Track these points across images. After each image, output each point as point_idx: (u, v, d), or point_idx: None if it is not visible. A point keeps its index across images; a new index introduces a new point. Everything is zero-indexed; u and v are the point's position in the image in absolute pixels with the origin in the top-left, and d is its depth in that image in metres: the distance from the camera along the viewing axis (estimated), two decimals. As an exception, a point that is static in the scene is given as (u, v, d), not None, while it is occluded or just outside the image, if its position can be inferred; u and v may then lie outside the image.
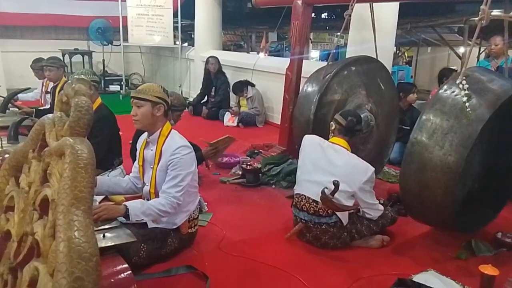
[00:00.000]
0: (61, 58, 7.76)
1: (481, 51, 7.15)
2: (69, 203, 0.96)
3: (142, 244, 2.22)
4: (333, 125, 2.74)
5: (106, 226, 2.02)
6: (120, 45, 7.89)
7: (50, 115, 1.38)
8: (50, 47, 7.76)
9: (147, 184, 2.44)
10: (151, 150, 2.40)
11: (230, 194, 3.55)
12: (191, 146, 2.40)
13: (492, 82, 2.43)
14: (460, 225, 2.66)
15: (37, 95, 5.35)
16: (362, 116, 3.00)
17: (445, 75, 4.52)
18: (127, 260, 1.94)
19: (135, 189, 2.57)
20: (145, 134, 2.45)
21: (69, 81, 1.30)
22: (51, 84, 4.74)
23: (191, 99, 7.58)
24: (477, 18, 2.44)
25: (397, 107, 4.05)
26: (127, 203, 2.22)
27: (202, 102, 6.80)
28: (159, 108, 2.31)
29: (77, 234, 0.90)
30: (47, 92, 4.90)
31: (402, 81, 7.35)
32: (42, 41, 8.39)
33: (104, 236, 1.91)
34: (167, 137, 2.37)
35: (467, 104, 2.29)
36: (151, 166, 2.39)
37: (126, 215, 2.16)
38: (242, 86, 6.20)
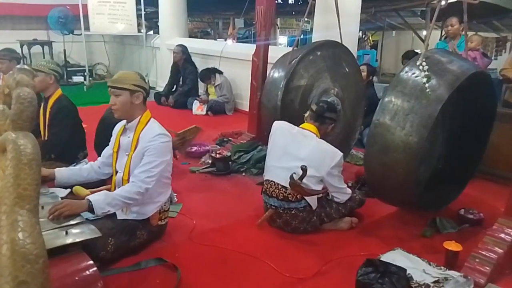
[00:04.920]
0: (19, 49, 7.39)
1: (443, 34, 7.33)
2: (12, 202, 0.89)
3: (110, 238, 2.17)
4: (307, 113, 2.76)
5: (71, 222, 1.95)
6: (81, 34, 7.59)
7: (-6, 109, 1.29)
8: (7, 38, 7.36)
9: (120, 171, 2.38)
10: (128, 137, 2.36)
11: (200, 183, 3.51)
12: (169, 136, 2.37)
13: (451, 63, 2.48)
14: (424, 203, 2.73)
15: None
16: (329, 100, 3.02)
17: (408, 57, 4.61)
18: (95, 255, 1.90)
19: (95, 176, 2.52)
20: (123, 121, 2.41)
21: (11, 72, 1.22)
22: (8, 77, 4.50)
23: (159, 89, 7.42)
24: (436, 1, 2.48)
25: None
26: (90, 197, 2.15)
27: (172, 91, 6.67)
28: (138, 96, 2.29)
29: (21, 235, 0.84)
30: (3, 86, 4.66)
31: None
32: (-3, 32, 7.97)
33: (67, 233, 1.84)
34: (145, 125, 2.33)
35: (426, 85, 2.33)
36: (126, 153, 2.35)
37: (91, 209, 2.10)
38: (210, 74, 6.10)
